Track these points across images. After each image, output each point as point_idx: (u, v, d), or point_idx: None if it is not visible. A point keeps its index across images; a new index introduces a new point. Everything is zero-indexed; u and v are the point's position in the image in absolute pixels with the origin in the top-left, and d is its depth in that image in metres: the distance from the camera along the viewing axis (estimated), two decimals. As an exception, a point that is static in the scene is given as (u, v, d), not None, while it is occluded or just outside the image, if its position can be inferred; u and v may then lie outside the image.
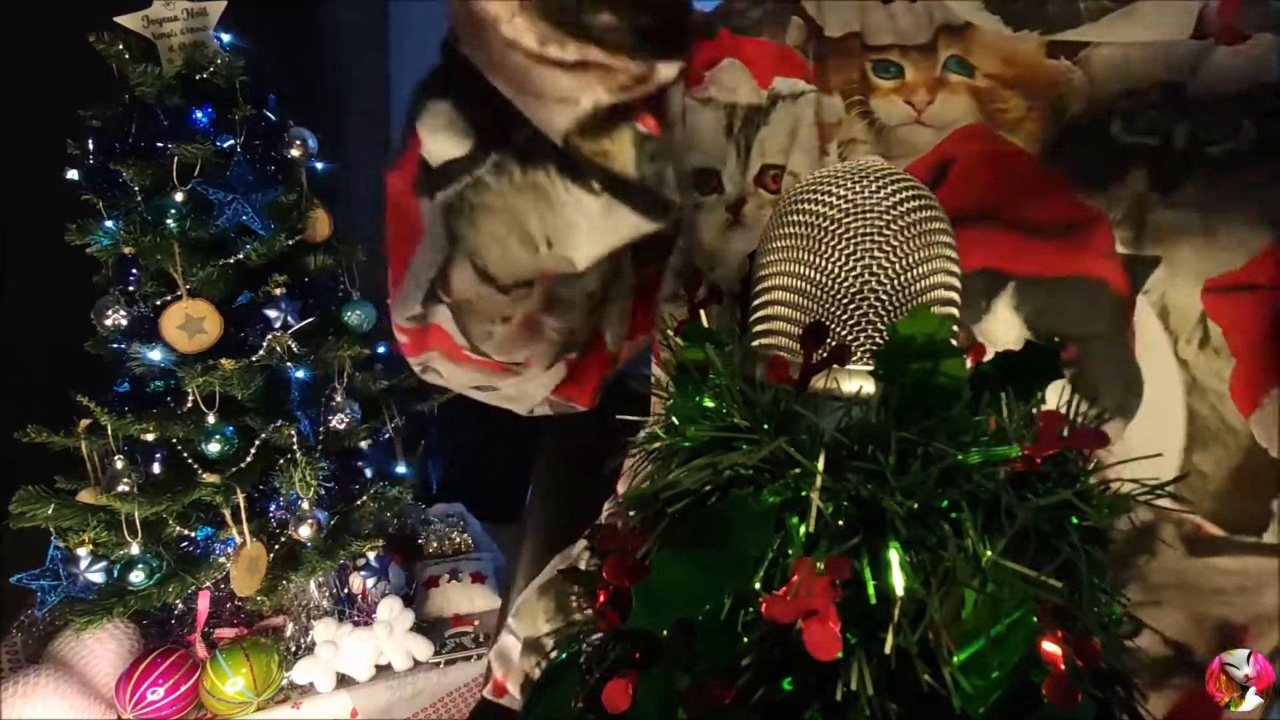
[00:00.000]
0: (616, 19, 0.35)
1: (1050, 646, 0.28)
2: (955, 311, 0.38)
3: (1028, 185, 0.46)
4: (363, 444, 1.42)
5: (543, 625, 0.67)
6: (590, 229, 0.42)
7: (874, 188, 0.36)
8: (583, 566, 0.70)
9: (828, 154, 0.51)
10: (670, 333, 0.40)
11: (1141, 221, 0.44)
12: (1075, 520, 0.30)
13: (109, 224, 1.27)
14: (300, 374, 1.34)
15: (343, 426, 1.39)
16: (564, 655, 0.36)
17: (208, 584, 1.32)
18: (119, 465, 1.23)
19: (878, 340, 0.35)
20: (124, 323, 1.28)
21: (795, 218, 0.37)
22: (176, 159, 1.24)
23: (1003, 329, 0.44)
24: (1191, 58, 0.45)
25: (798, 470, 0.30)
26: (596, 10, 0.35)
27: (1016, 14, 0.48)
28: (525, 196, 0.40)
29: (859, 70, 0.51)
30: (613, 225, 0.42)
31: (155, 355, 1.25)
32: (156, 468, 1.27)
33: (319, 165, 1.39)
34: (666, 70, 0.38)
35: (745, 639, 0.29)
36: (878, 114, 0.50)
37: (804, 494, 0.29)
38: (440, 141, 0.41)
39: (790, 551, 0.29)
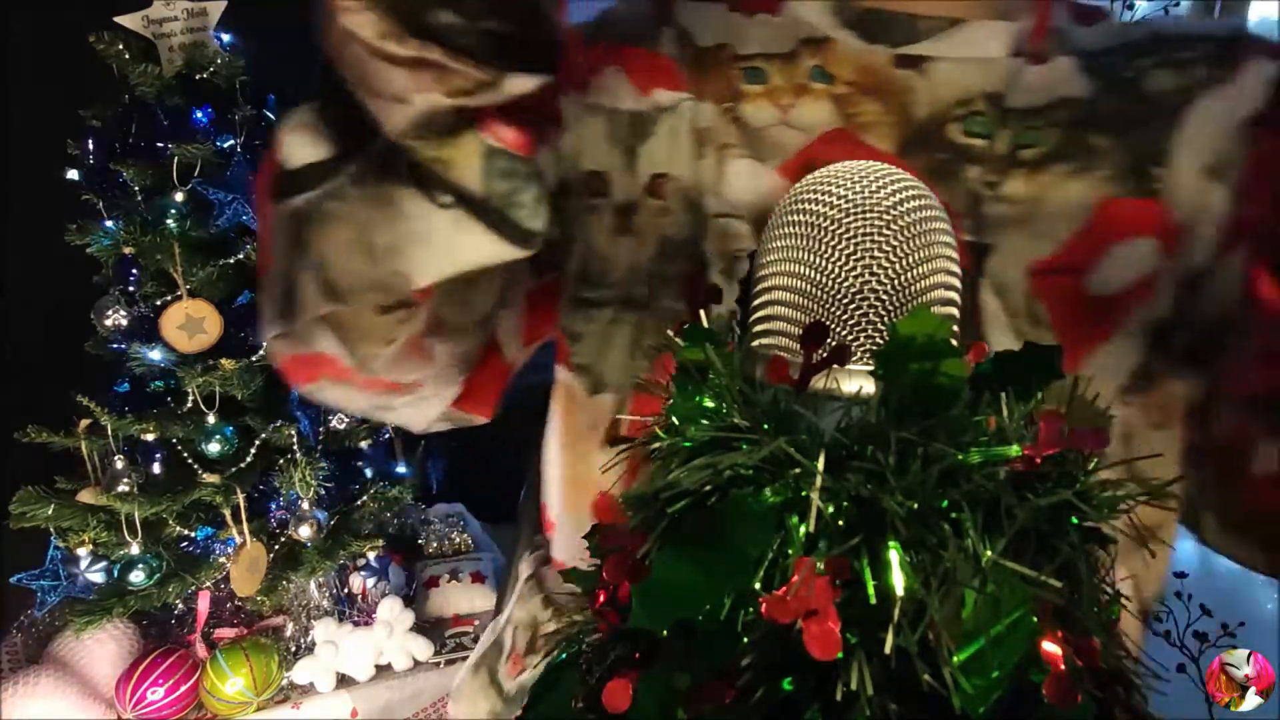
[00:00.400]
0: (460, 20, 0.34)
1: (1050, 646, 0.28)
2: (955, 311, 0.38)
3: None
4: (363, 444, 1.43)
5: (481, 706, 0.67)
6: (437, 246, 0.40)
7: (874, 188, 0.36)
8: (508, 642, 0.69)
9: (704, 157, 0.54)
10: (670, 333, 0.40)
11: (978, 214, 0.50)
12: (1075, 520, 0.30)
13: (109, 224, 1.27)
14: (300, 374, 1.34)
15: (343, 426, 1.39)
16: (564, 655, 0.36)
17: (208, 584, 1.32)
18: (119, 465, 1.23)
19: (878, 340, 0.35)
20: (124, 323, 1.28)
21: (795, 218, 0.37)
22: (176, 159, 1.24)
23: None
24: (1009, 73, 0.52)
25: (798, 470, 0.30)
26: (439, 9, 0.34)
27: (868, 30, 0.54)
28: (378, 207, 0.39)
29: (730, 77, 0.55)
30: (463, 245, 0.40)
31: (155, 355, 1.25)
32: (156, 468, 1.27)
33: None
34: (517, 82, 0.36)
35: (745, 639, 0.29)
36: (747, 118, 0.54)
37: (804, 494, 0.29)
38: (299, 145, 0.40)
39: (790, 551, 0.29)
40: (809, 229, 0.37)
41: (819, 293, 0.36)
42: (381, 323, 0.46)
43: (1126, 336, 0.49)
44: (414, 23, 0.34)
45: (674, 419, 0.34)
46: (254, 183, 0.47)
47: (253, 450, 1.30)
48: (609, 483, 0.57)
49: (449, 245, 0.40)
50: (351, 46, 0.35)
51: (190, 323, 1.24)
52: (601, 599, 0.33)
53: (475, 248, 0.40)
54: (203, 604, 1.32)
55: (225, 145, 1.29)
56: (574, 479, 0.60)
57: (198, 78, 1.28)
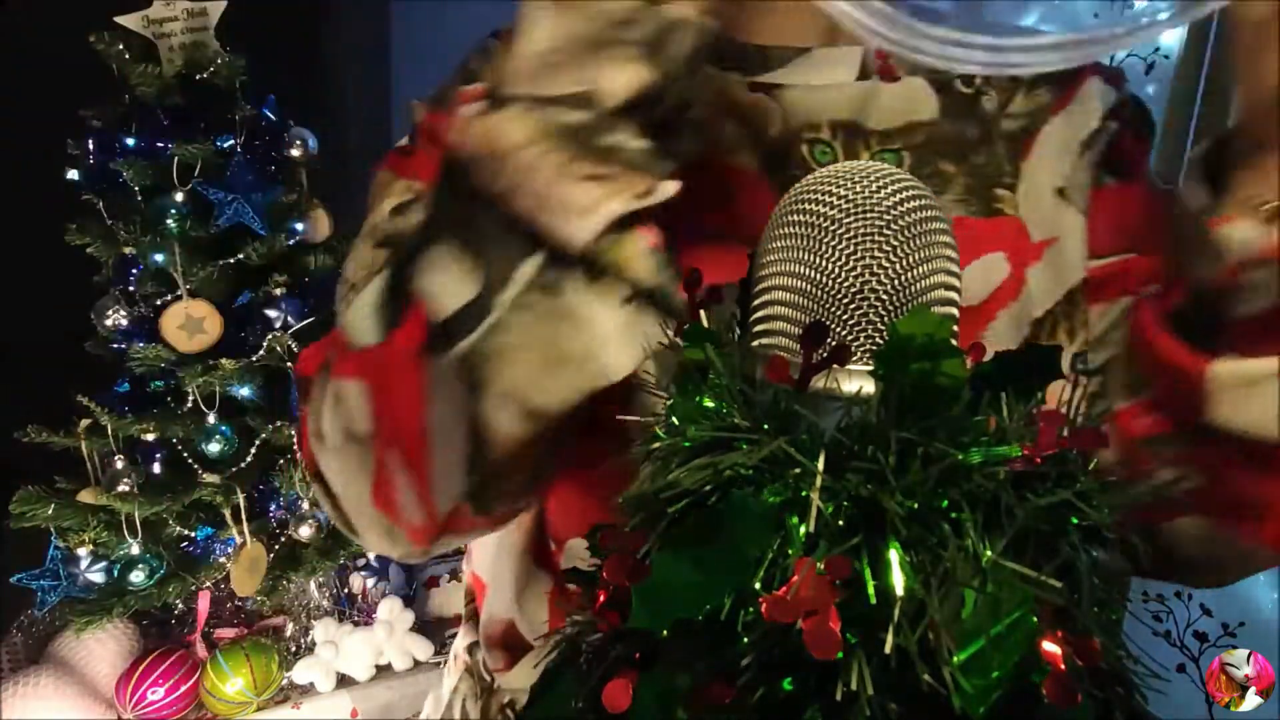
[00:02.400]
0: (625, 137, 0.40)
1: (1050, 646, 0.28)
2: (955, 311, 0.38)
3: (751, 201, 0.52)
4: (363, 444, 1.42)
5: None
6: (625, 340, 0.42)
7: (874, 188, 0.36)
8: (457, 713, 0.69)
9: None
10: (670, 333, 0.40)
11: None
12: (1075, 520, 0.30)
13: (109, 224, 1.27)
14: (300, 374, 1.34)
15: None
16: (563, 655, 0.36)
17: (208, 584, 1.32)
18: (119, 465, 1.23)
19: (878, 340, 0.35)
20: (124, 323, 1.28)
21: (795, 218, 0.37)
22: (176, 159, 1.24)
23: None
24: (861, 98, 0.54)
25: (798, 470, 0.30)
26: (609, 132, 0.40)
27: (720, 57, 0.56)
28: (554, 323, 0.41)
29: None
30: (639, 336, 0.42)
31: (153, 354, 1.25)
32: (156, 468, 1.27)
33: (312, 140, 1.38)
34: (669, 185, 0.41)
35: (745, 639, 0.29)
36: None
37: (804, 494, 0.29)
38: (449, 292, 0.41)
39: (790, 551, 0.29)
40: (809, 229, 0.37)
41: (819, 293, 0.36)
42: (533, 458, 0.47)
43: (993, 335, 0.52)
44: (589, 146, 0.39)
45: (674, 419, 0.34)
46: (384, 351, 0.44)
47: (253, 450, 1.30)
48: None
49: (635, 337, 0.42)
50: (535, 176, 0.39)
51: (190, 323, 1.24)
52: (601, 599, 0.33)
53: (652, 336, 0.42)
54: (203, 604, 1.32)
55: (225, 145, 1.29)
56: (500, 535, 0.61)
57: (198, 78, 1.28)
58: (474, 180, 0.41)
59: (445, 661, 0.77)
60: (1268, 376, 0.40)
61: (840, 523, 0.29)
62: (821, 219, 0.36)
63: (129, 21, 1.23)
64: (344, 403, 0.46)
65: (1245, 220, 0.41)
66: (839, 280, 0.36)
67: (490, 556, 0.65)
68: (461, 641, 0.73)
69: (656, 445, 0.34)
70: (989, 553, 0.28)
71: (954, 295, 0.37)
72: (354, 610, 1.41)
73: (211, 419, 1.26)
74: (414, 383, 0.43)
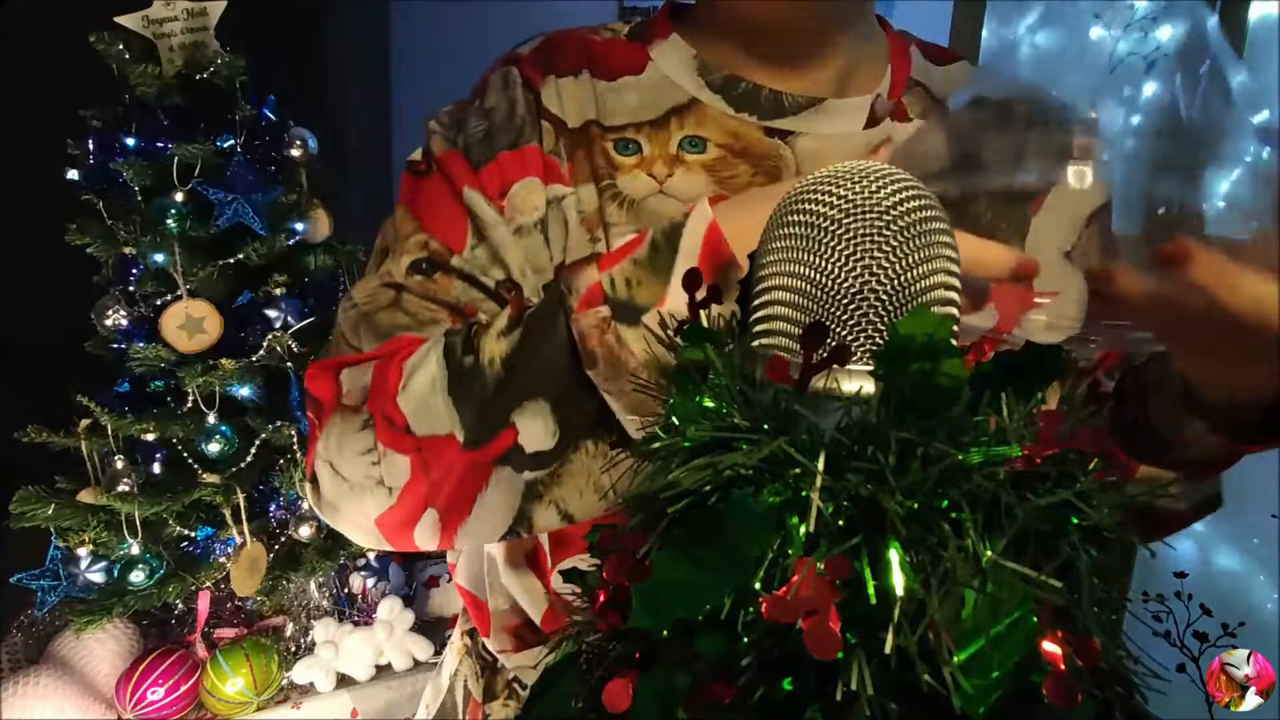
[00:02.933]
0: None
1: (1050, 646, 0.28)
2: (955, 311, 0.38)
3: None
4: (363, 444, 1.42)
5: None
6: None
7: (874, 188, 0.36)
8: (460, 694, 0.70)
9: (598, 240, 0.56)
10: (670, 333, 0.40)
11: None
12: (1075, 520, 0.30)
13: (109, 224, 1.27)
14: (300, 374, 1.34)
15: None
16: (563, 655, 0.36)
17: (208, 584, 1.32)
18: (119, 465, 1.23)
19: (878, 340, 0.35)
20: (124, 323, 1.28)
21: (795, 218, 0.37)
22: (176, 159, 1.24)
23: None
24: (869, 145, 0.58)
25: (798, 470, 0.30)
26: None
27: (736, 99, 0.59)
28: (599, 462, 0.52)
29: (603, 153, 0.58)
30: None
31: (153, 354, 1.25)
32: (156, 468, 1.27)
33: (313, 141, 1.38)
34: None
35: (745, 639, 0.29)
36: (625, 190, 0.57)
37: (804, 494, 0.29)
38: (536, 438, 0.51)
39: (790, 551, 0.29)
40: (809, 229, 0.37)
41: (819, 293, 0.36)
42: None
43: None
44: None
45: (674, 419, 0.34)
46: (466, 457, 0.52)
47: (253, 450, 1.30)
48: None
49: None
50: (628, 383, 0.48)
51: (190, 323, 1.24)
52: (601, 599, 0.33)
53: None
54: (203, 604, 1.32)
55: (225, 145, 1.29)
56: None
57: (198, 78, 1.28)
58: (589, 367, 0.49)
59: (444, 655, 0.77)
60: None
61: (840, 523, 0.29)
62: (821, 219, 0.36)
63: (129, 21, 1.23)
64: (387, 464, 0.52)
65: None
66: (839, 280, 0.36)
67: (479, 569, 0.66)
68: (460, 628, 0.73)
69: (656, 445, 0.34)
70: (989, 553, 0.28)
71: (954, 295, 0.37)
72: (354, 610, 1.41)
73: (211, 419, 1.26)
74: (481, 480, 0.52)
